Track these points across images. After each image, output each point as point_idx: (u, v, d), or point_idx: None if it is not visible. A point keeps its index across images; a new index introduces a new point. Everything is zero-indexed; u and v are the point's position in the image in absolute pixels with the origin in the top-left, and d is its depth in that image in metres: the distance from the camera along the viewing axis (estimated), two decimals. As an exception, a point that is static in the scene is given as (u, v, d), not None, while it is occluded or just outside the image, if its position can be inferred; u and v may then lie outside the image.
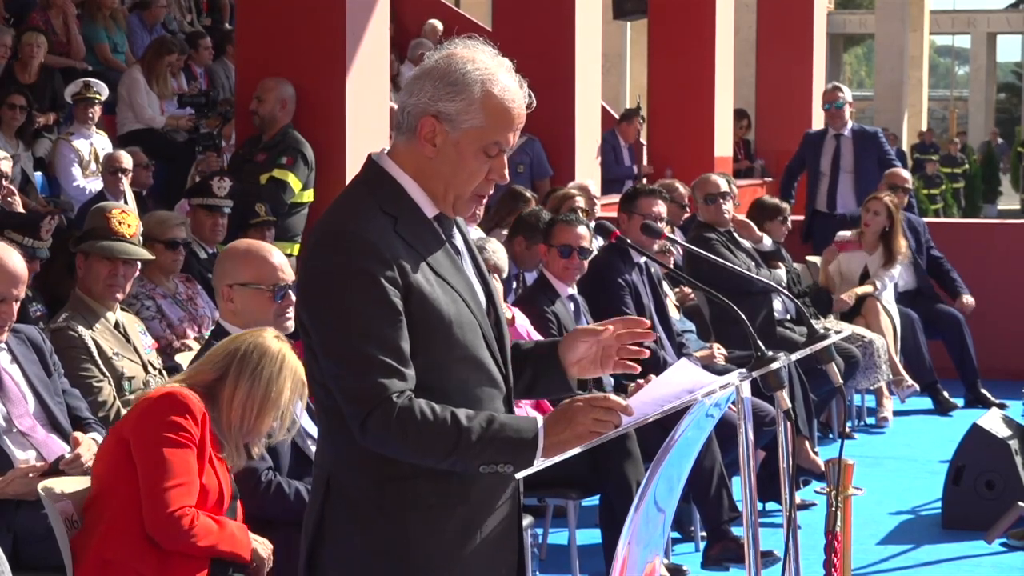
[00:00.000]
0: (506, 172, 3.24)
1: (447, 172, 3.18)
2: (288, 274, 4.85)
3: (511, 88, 3.19)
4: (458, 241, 3.30)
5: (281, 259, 4.88)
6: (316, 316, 3.15)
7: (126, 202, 8.93)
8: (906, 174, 11.04)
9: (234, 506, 4.39)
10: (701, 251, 4.19)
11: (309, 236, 3.23)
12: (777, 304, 8.95)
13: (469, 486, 3.18)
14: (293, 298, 4.82)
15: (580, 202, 8.82)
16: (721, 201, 8.68)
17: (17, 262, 4.77)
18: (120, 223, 6.29)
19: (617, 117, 14.93)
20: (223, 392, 4.27)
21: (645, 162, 13.94)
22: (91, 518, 4.28)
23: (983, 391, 10.35)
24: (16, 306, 4.82)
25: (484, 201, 3.28)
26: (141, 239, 6.60)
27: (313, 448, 4.74)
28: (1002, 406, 9.19)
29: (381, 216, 3.16)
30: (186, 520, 4.15)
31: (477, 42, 3.22)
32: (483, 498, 3.22)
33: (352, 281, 3.08)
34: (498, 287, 3.47)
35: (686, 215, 10.56)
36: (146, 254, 6.37)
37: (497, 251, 6.96)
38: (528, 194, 9.29)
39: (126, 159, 9.35)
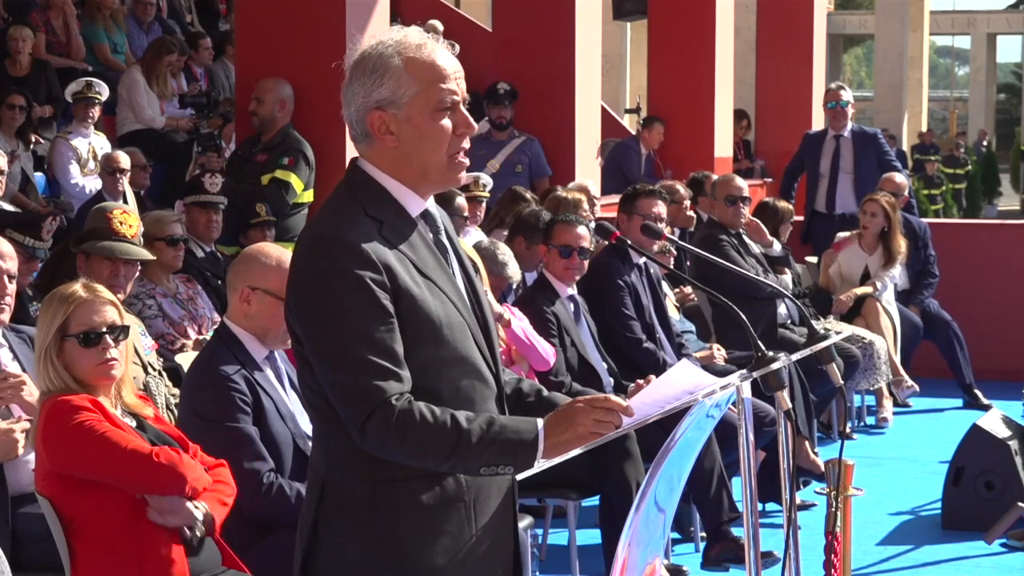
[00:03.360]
0: (471, 121, 3.22)
1: (416, 150, 3.18)
2: None
3: (427, 45, 3.19)
4: (443, 239, 3.29)
5: None
6: (308, 322, 3.13)
7: (126, 202, 8.93)
8: (900, 179, 10.95)
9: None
10: (710, 256, 4.20)
11: (297, 242, 3.23)
12: (781, 308, 8.96)
13: (464, 488, 3.18)
14: None
15: (585, 205, 8.82)
16: (741, 204, 8.68)
17: (2, 240, 4.83)
18: (121, 223, 6.31)
19: (635, 126, 14.91)
20: (39, 367, 4.31)
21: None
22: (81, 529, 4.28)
23: (976, 392, 10.37)
24: (12, 286, 4.84)
25: (466, 162, 3.24)
26: (142, 239, 6.61)
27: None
28: (988, 407, 9.19)
29: (367, 220, 3.15)
30: (164, 455, 4.20)
31: (385, 31, 3.25)
32: (478, 500, 3.21)
33: (342, 285, 3.07)
34: (484, 285, 3.45)
35: (693, 220, 10.52)
36: (147, 254, 6.38)
37: (508, 263, 6.95)
38: (528, 195, 9.28)
39: (123, 159, 9.36)
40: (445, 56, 3.20)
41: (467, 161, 3.24)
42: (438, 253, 3.23)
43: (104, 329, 4.31)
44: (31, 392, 4.65)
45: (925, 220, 11.48)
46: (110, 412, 4.27)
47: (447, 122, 3.17)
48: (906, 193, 10.80)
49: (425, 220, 3.24)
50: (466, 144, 3.22)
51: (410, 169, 3.20)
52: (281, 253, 4.95)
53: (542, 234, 7.10)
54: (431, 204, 3.28)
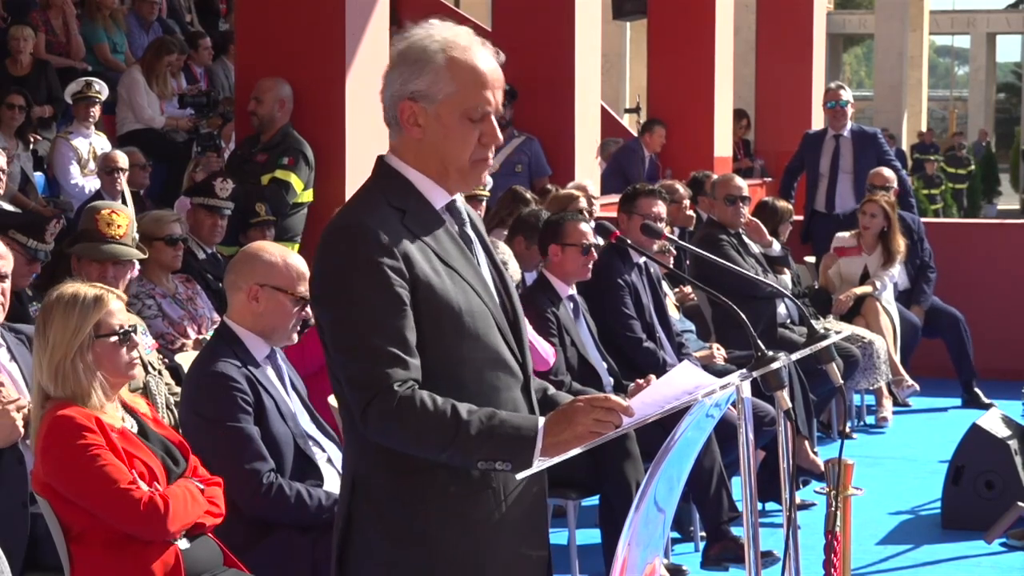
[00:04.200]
0: (498, 133, 3.24)
1: (439, 147, 3.20)
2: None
3: (474, 49, 3.20)
4: (469, 231, 3.31)
5: (306, 268, 4.89)
6: (324, 308, 3.17)
7: (124, 202, 8.92)
8: (888, 173, 10.93)
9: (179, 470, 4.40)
10: (710, 255, 4.20)
11: (321, 233, 3.25)
12: (781, 308, 8.96)
13: (490, 477, 3.18)
14: (308, 311, 4.86)
15: (583, 203, 8.82)
16: (740, 204, 8.68)
17: None
18: (109, 224, 6.26)
19: (635, 125, 14.89)
20: (59, 371, 4.26)
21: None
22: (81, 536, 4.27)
23: (976, 391, 10.37)
24: (4, 285, 4.83)
25: (487, 167, 3.27)
26: (136, 237, 6.58)
27: (315, 450, 4.75)
28: (990, 405, 9.19)
29: (388, 209, 3.18)
30: (151, 506, 4.14)
31: (434, 20, 3.24)
32: (505, 489, 3.21)
33: (356, 271, 3.10)
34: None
35: (692, 219, 10.53)
36: (136, 254, 6.33)
37: (509, 262, 6.94)
38: (528, 195, 9.29)
39: (121, 158, 9.36)
40: (490, 64, 3.20)
41: (489, 164, 3.27)
42: (462, 244, 3.25)
43: (129, 327, 4.34)
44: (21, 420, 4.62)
45: (922, 219, 11.47)
46: (111, 430, 4.23)
47: (474, 129, 3.19)
48: (896, 186, 10.77)
49: (451, 213, 3.26)
50: (490, 153, 3.24)
51: (432, 163, 3.22)
52: (283, 250, 4.98)
53: (549, 234, 6.99)
54: (459, 198, 3.30)
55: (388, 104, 3.23)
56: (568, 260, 6.87)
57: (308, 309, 4.86)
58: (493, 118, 3.21)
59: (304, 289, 4.81)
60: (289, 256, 4.92)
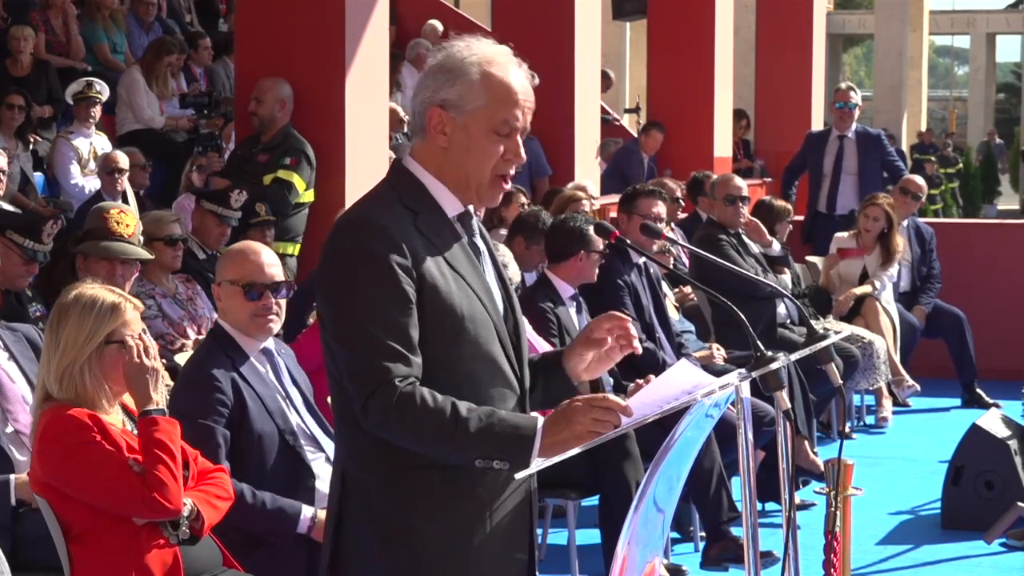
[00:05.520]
0: (522, 151, 3.27)
1: (462, 158, 3.22)
2: (273, 274, 4.78)
3: (509, 67, 3.25)
4: (479, 242, 3.33)
5: (267, 258, 4.81)
6: (328, 300, 3.19)
7: (125, 202, 8.93)
8: (922, 182, 10.97)
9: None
10: (710, 255, 4.19)
11: (331, 227, 3.26)
12: (780, 308, 8.95)
13: (478, 477, 3.19)
14: (272, 301, 4.76)
15: (585, 205, 8.82)
16: (740, 204, 8.68)
17: None
18: (118, 223, 6.30)
19: (635, 126, 14.89)
20: (66, 374, 4.20)
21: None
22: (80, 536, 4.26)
23: (979, 391, 10.37)
24: None
25: (506, 184, 3.28)
26: (141, 239, 6.59)
27: (309, 448, 4.74)
28: (996, 406, 9.19)
29: (400, 209, 3.20)
30: (154, 483, 4.10)
31: (474, 36, 3.29)
32: (492, 490, 3.22)
33: (363, 265, 3.12)
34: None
35: (682, 213, 10.60)
36: (144, 253, 6.36)
37: (509, 264, 6.94)
38: (524, 196, 9.28)
39: (122, 159, 9.36)
40: (522, 83, 3.26)
41: (508, 185, 3.29)
42: (471, 252, 3.27)
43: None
44: None
45: (924, 219, 11.47)
46: (109, 424, 4.21)
47: (499, 145, 3.22)
48: (923, 196, 10.81)
49: (461, 223, 3.28)
50: (512, 170, 3.27)
51: (454, 173, 3.24)
52: (244, 244, 5.01)
53: (576, 241, 6.90)
54: (470, 210, 3.32)
55: (417, 110, 3.26)
56: (589, 265, 6.90)
57: (281, 298, 4.81)
58: (519, 137, 3.24)
59: (256, 275, 4.75)
60: (241, 248, 4.92)
